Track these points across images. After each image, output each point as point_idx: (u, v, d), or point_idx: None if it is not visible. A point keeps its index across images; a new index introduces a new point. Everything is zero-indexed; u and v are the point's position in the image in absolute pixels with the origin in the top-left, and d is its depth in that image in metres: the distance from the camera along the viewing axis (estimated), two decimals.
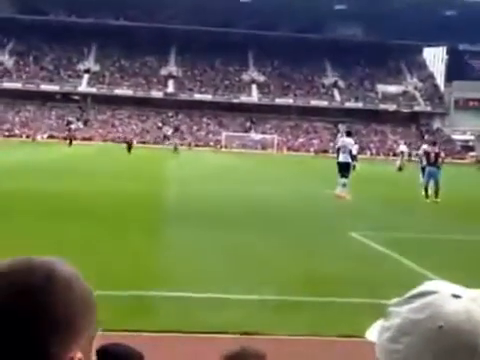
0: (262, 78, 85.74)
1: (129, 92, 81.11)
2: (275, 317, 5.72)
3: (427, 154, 19.23)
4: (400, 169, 34.01)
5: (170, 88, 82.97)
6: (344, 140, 19.02)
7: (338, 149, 18.90)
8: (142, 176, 22.65)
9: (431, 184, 18.87)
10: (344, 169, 18.20)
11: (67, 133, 67.95)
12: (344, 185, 18.15)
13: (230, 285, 6.78)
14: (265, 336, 5.02)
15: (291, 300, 6.35)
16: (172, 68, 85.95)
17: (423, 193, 18.86)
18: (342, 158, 18.35)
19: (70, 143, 56.58)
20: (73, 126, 75.63)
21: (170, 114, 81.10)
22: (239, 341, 4.55)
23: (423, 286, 0.84)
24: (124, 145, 50.39)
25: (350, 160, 18.51)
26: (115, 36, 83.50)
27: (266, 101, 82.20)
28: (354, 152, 20.66)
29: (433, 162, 18.83)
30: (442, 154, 19.82)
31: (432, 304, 0.81)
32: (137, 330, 4.99)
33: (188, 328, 5.20)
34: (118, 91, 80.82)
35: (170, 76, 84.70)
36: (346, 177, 18.14)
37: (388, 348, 0.83)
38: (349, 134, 19.86)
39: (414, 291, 0.85)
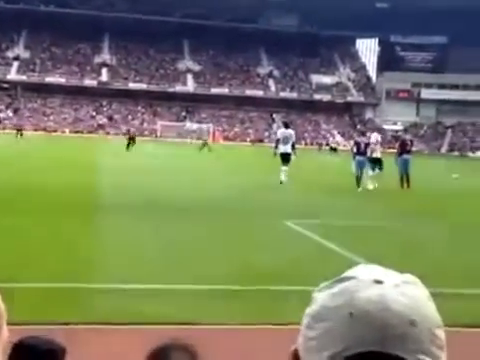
0: (197, 67, 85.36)
1: (61, 80, 79.17)
2: (209, 307, 5.70)
3: (357, 144, 19.74)
4: (333, 156, 34.54)
5: (104, 76, 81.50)
6: (284, 131, 19.94)
7: (278, 140, 19.84)
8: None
9: (372, 172, 19.56)
10: (285, 159, 19.30)
11: None
12: (284, 174, 19.19)
13: (164, 275, 6.71)
14: (200, 326, 4.98)
15: (225, 289, 6.34)
16: (106, 56, 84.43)
17: (358, 182, 19.31)
18: (283, 149, 19.37)
19: (20, 134, 50.22)
20: (1, 115, 73.32)
21: (104, 103, 79.71)
22: (173, 332, 4.50)
23: (348, 271, 0.82)
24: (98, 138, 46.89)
25: (290, 151, 19.40)
26: (46, 22, 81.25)
27: (202, 90, 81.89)
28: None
29: (363, 152, 19.37)
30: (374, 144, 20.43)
31: (347, 290, 0.79)
32: (68, 323, 4.87)
33: (120, 319, 5.11)
34: (50, 79, 78.76)
35: (104, 64, 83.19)
36: (287, 164, 19.29)
37: (305, 334, 0.82)
38: (287, 125, 20.63)
39: (337, 277, 0.83)
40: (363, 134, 21.34)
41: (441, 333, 0.78)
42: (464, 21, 77.22)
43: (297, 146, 21.32)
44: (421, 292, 0.80)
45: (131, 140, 40.90)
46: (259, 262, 7.54)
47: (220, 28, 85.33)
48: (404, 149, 20.48)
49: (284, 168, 19.47)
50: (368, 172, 19.62)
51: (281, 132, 20.28)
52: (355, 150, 19.67)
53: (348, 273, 0.82)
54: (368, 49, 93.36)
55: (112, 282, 6.35)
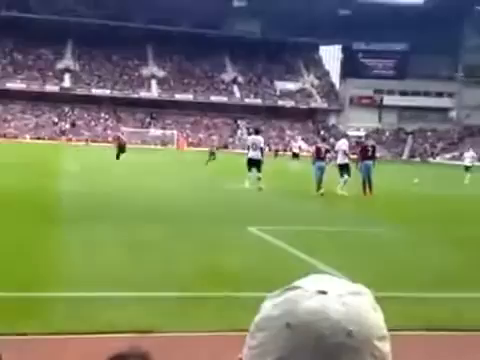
0: (162, 73, 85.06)
1: (22, 86, 78.06)
2: (170, 314, 5.65)
3: (318, 149, 20.10)
4: (295, 163, 34.55)
5: (66, 82, 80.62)
6: (254, 138, 20.53)
7: (248, 146, 20.44)
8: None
9: (342, 179, 19.75)
10: (256, 165, 19.76)
11: None
12: (259, 178, 19.67)
13: (124, 283, 6.64)
14: (160, 334, 4.94)
15: (186, 296, 6.30)
16: (68, 62, 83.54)
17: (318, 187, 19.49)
18: (254, 155, 19.83)
19: None
20: None
21: (66, 109, 78.82)
22: (132, 340, 4.45)
23: (297, 281, 0.81)
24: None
25: (261, 157, 19.84)
26: (8, 27, 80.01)
27: (166, 97, 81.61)
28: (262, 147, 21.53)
29: (323, 157, 19.77)
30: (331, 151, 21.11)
31: (289, 300, 0.78)
32: (23, 334, 4.77)
33: (78, 329, 5.04)
34: (10, 85, 77.59)
35: (66, 70, 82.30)
36: (259, 172, 19.73)
37: (247, 343, 0.81)
38: (257, 132, 21.30)
39: (285, 286, 0.82)
40: (324, 140, 21.96)
41: (383, 345, 0.77)
42: (425, 29, 78.62)
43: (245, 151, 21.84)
44: (365, 302, 0.78)
45: (120, 148, 36.18)
46: (220, 269, 7.52)
47: (184, 34, 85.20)
48: (366, 155, 20.71)
49: (250, 174, 19.89)
50: (343, 178, 19.76)
51: (251, 138, 20.87)
52: (315, 155, 19.98)
53: (295, 283, 0.80)
54: (331, 56, 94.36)
55: (71, 290, 6.25)
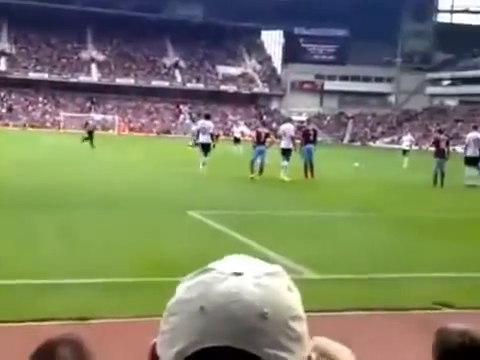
0: (102, 57, 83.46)
1: None
2: (106, 300, 5.51)
3: (258, 134, 20.46)
4: (237, 148, 34.39)
5: (2, 66, 78.16)
6: (204, 122, 21.24)
7: (198, 131, 21.29)
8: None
9: (286, 163, 19.78)
10: (206, 149, 20.51)
11: None
12: (204, 164, 20.34)
13: (60, 270, 6.45)
14: (95, 321, 4.80)
15: (123, 282, 6.17)
16: (4, 45, 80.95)
17: (252, 170, 19.70)
18: (204, 139, 20.66)
19: None
20: None
21: (2, 94, 76.49)
22: (66, 328, 4.30)
23: (212, 263, 0.79)
24: None
25: (211, 141, 20.70)
26: None
27: (106, 81, 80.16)
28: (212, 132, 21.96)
29: (263, 141, 20.13)
30: (272, 135, 21.33)
31: (203, 283, 0.76)
32: None
33: (9, 317, 4.85)
34: None
35: (2, 53, 79.73)
36: (207, 156, 20.47)
37: (160, 328, 0.78)
38: (208, 117, 22.03)
39: (199, 269, 0.79)
40: (264, 124, 22.62)
41: (297, 325, 0.76)
42: (364, 14, 79.65)
43: (194, 136, 22.52)
44: (280, 283, 0.77)
45: (90, 134, 34.66)
46: (159, 253, 7.40)
47: (124, 17, 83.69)
48: (307, 139, 20.92)
49: (204, 159, 20.53)
50: (284, 163, 19.85)
51: (201, 123, 21.47)
52: (256, 140, 20.38)
53: (210, 265, 0.79)
54: (273, 41, 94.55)
55: (4, 278, 6.03)
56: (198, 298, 0.74)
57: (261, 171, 19.68)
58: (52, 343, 1.83)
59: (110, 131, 70.12)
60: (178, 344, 0.74)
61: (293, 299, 0.77)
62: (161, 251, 7.52)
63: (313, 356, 1.77)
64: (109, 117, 74.60)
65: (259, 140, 20.15)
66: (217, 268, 0.77)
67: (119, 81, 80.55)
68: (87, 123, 38.93)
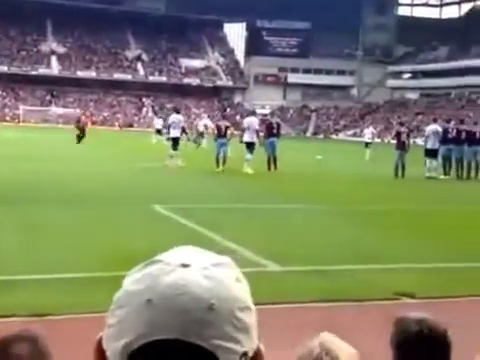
0: (62, 49, 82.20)
1: None
2: (68, 296, 5.45)
3: (218, 127, 20.89)
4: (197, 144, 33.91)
5: None
6: (175, 117, 21.54)
7: (169, 125, 21.71)
8: None
9: (250, 156, 19.89)
10: (176, 143, 20.71)
11: None
12: (171, 156, 20.57)
13: (21, 266, 6.36)
14: (55, 316, 4.75)
15: (85, 277, 6.12)
16: None
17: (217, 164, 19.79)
18: (173, 133, 20.88)
19: None
20: None
21: None
22: (28, 324, 4.24)
23: (159, 255, 0.77)
24: None
25: (179, 135, 20.92)
26: None
27: (67, 74, 79.00)
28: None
29: (224, 134, 20.39)
30: (231, 128, 21.57)
31: (150, 275, 0.74)
32: None
33: None
34: None
35: None
36: (176, 150, 20.71)
37: (107, 321, 0.76)
38: (177, 111, 22.56)
39: (147, 261, 0.78)
40: (224, 117, 22.93)
41: (245, 316, 0.75)
42: (326, 7, 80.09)
43: (165, 130, 22.48)
44: (228, 274, 0.76)
45: (81, 131, 33.23)
46: (122, 248, 7.35)
47: (85, 9, 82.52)
48: (271, 132, 21.02)
49: (175, 152, 20.62)
50: (248, 156, 19.91)
51: (173, 117, 21.62)
52: (217, 133, 20.76)
53: (157, 256, 0.77)
54: (236, 34, 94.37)
55: None
56: (145, 290, 0.73)
57: (224, 163, 19.77)
58: (6, 340, 1.80)
59: (72, 124, 69.17)
60: (125, 337, 0.72)
61: (241, 290, 0.77)
62: (124, 246, 7.47)
63: (316, 351, 1.79)
64: (70, 110, 73.63)
65: (220, 133, 20.44)
66: (164, 260, 0.76)
67: (80, 74, 79.51)
68: (79, 119, 36.50)
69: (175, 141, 20.83)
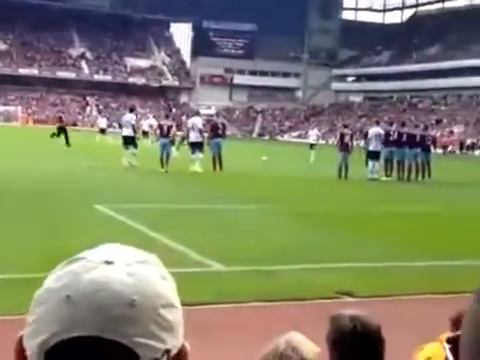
0: (3, 46, 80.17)
1: None
2: (6, 296, 5.32)
3: (160, 127, 20.99)
4: (146, 141, 33.91)
5: None
6: (127, 115, 21.83)
7: (120, 125, 22.46)
8: None
9: (195, 156, 19.97)
10: (129, 142, 20.62)
11: None
12: (134, 154, 20.74)
13: None
14: None
15: (19, 278, 5.98)
16: None
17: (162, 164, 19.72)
18: (126, 132, 20.92)
19: None
20: None
21: None
22: None
23: (84, 252, 0.76)
24: None
25: (133, 133, 20.95)
26: None
27: (8, 71, 77.05)
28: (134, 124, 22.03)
29: (166, 134, 20.41)
30: (174, 128, 21.29)
31: (72, 272, 0.73)
32: None
33: None
34: None
35: None
36: (135, 147, 20.89)
37: (27, 319, 0.74)
38: (131, 110, 22.63)
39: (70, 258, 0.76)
40: (167, 117, 22.83)
41: (168, 313, 0.74)
42: (273, 9, 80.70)
43: (111, 130, 22.24)
44: (153, 271, 0.75)
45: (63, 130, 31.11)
46: (61, 248, 7.21)
47: (27, 5, 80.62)
48: (216, 132, 21.07)
49: (126, 151, 20.60)
50: (197, 155, 19.89)
51: (125, 117, 21.84)
52: (159, 133, 20.86)
53: (81, 253, 0.76)
54: (182, 34, 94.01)
55: None
56: (65, 287, 0.71)
57: (167, 162, 19.68)
58: None
59: (13, 122, 67.66)
60: (41, 335, 0.71)
61: (166, 287, 0.76)
62: (61, 247, 7.32)
63: (281, 347, 1.82)
64: (12, 108, 71.92)
65: (162, 133, 20.43)
66: (88, 257, 0.74)
67: (22, 71, 77.76)
68: (60, 118, 34.61)
69: (126, 140, 20.65)
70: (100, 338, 0.69)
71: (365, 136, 23.93)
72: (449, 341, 2.15)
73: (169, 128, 20.53)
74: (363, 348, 2.17)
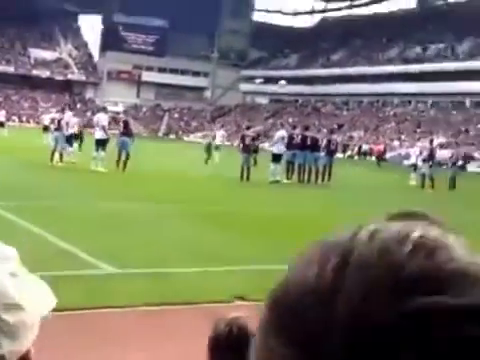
0: None
1: None
2: None
3: (56, 121, 21.45)
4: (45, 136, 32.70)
5: None
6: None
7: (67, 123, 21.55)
8: None
9: (97, 154, 20.01)
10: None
11: None
12: (72, 153, 21.15)
13: None
14: None
15: None
16: None
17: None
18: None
19: None
20: None
21: None
22: None
23: None
24: None
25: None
26: None
27: None
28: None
29: (57, 128, 20.91)
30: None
31: None
32: None
33: None
34: None
35: None
36: (71, 146, 21.36)
37: None
38: (70, 108, 24.14)
39: None
40: (62, 111, 22.93)
41: (10, 315, 0.67)
42: (185, 7, 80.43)
43: (10, 124, 21.50)
44: (2, 267, 0.70)
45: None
46: None
47: None
48: (122, 130, 20.80)
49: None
50: (99, 154, 19.72)
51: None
52: (54, 127, 21.31)
53: None
54: (91, 27, 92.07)
55: None
56: None
57: (53, 154, 20.08)
58: None
59: None
60: None
61: (12, 286, 0.69)
62: None
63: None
64: None
65: (57, 127, 20.92)
66: None
67: None
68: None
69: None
70: None
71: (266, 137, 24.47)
72: None
73: (59, 122, 20.98)
74: (237, 351, 2.14)
